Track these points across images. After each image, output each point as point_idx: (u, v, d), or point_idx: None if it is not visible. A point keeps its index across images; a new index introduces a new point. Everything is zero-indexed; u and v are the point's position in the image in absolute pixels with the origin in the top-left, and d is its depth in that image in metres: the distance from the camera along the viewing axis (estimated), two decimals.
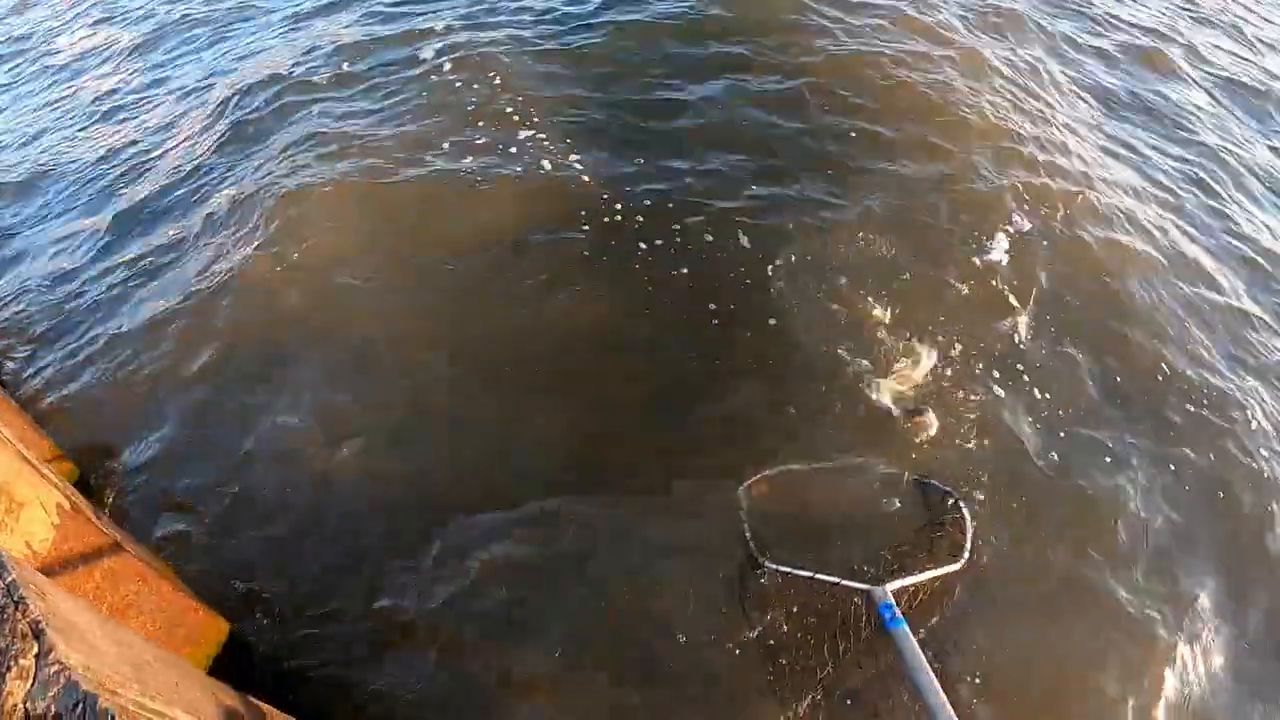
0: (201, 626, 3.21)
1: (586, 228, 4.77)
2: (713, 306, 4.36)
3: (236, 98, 6.33)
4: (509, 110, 5.68)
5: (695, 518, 3.55)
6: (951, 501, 3.55)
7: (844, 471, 3.69)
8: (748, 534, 3.36)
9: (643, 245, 4.66)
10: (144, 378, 4.35)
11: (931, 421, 3.84)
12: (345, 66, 6.38)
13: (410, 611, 3.32)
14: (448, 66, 6.13)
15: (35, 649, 1.36)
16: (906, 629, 2.80)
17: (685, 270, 4.54)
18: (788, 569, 3.21)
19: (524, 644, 3.22)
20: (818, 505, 3.58)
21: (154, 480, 3.88)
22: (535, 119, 5.60)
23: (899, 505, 3.60)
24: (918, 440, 3.80)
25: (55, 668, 1.32)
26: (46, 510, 2.72)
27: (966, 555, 3.31)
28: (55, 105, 7.56)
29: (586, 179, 5.09)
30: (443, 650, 3.21)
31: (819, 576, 3.16)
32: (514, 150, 5.33)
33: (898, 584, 3.09)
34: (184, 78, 7.23)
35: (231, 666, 3.11)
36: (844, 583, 3.14)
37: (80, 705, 1.29)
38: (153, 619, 3.05)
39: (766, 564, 3.26)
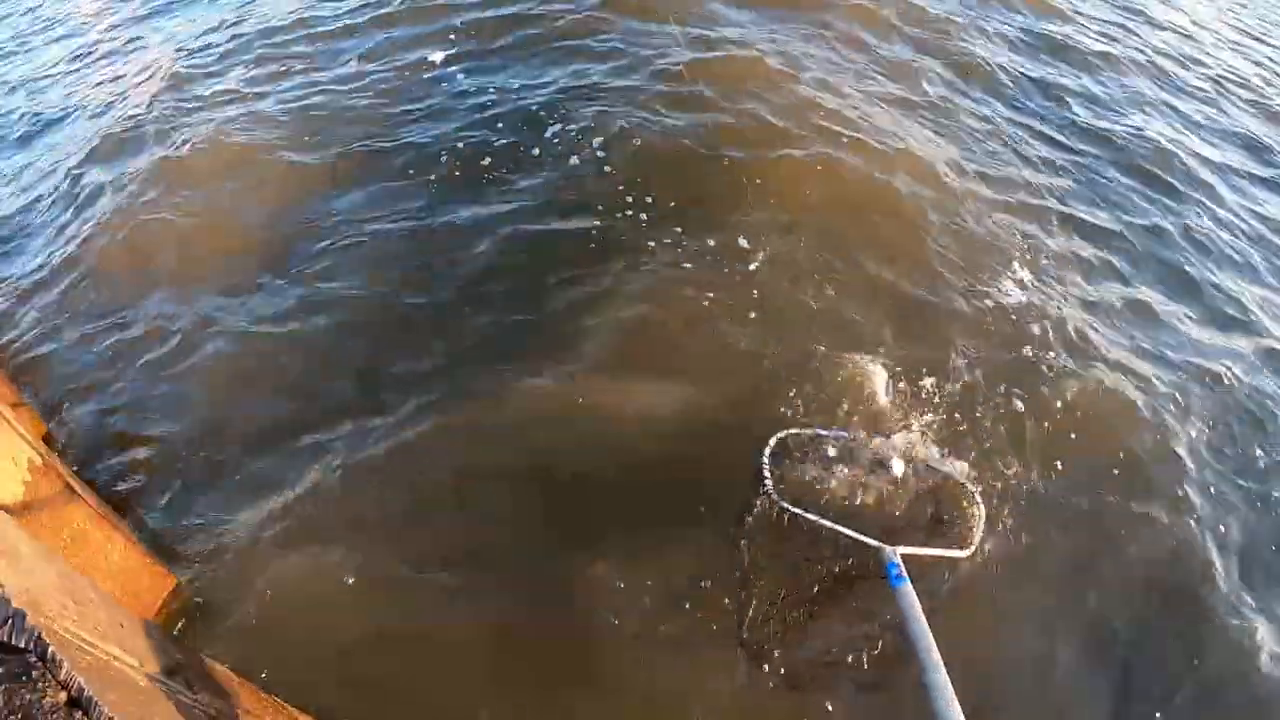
0: (173, 596, 3.24)
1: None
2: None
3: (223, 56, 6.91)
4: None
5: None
6: (966, 491, 3.65)
7: (866, 447, 3.76)
8: (766, 468, 3.44)
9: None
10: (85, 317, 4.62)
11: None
12: None
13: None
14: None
15: None
16: (910, 588, 2.84)
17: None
18: (799, 511, 3.27)
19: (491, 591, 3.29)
20: (835, 472, 3.66)
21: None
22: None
23: (914, 487, 3.67)
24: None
25: None
26: (17, 464, 2.74)
27: (975, 545, 3.40)
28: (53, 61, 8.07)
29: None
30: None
31: (829, 524, 3.23)
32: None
33: (907, 550, 3.14)
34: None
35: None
36: (855, 535, 3.20)
37: (10, 621, 1.31)
38: (121, 585, 3.06)
39: (780, 503, 3.31)
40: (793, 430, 3.70)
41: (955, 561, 3.38)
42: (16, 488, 2.73)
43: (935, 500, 3.65)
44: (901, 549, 3.11)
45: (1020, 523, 3.65)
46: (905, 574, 2.93)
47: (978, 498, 3.60)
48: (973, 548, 3.39)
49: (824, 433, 3.74)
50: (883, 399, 3.98)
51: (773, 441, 3.60)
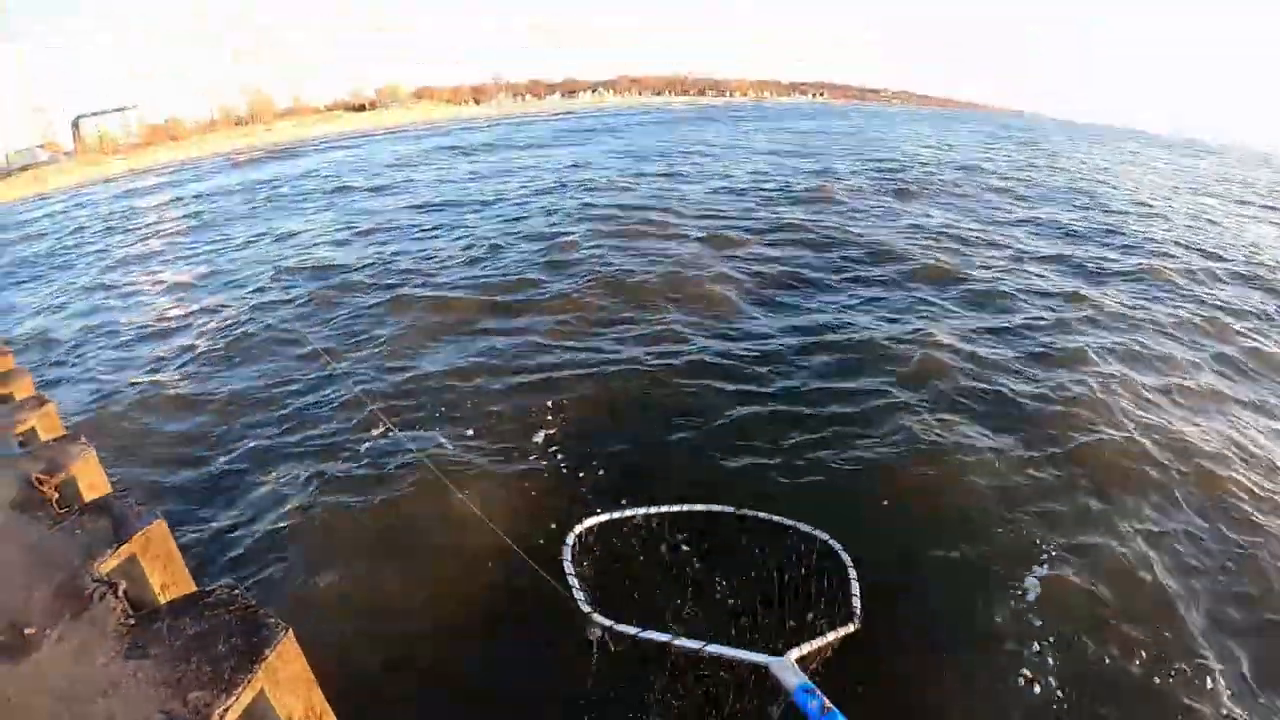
0: None
1: None
2: None
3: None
4: None
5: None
6: (831, 550, 3.17)
7: (699, 518, 3.20)
8: (577, 591, 2.71)
9: None
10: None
11: None
12: None
13: None
14: None
15: None
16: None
17: None
18: (642, 634, 2.51)
19: None
20: (670, 563, 3.21)
21: None
22: None
23: (770, 558, 3.14)
24: None
25: None
26: None
27: (859, 613, 2.86)
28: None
29: None
30: None
31: (691, 644, 2.44)
32: None
33: (799, 651, 2.44)
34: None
35: None
36: (730, 653, 2.38)
37: None
38: None
39: (609, 626, 2.54)
40: (595, 519, 3.07)
41: (848, 641, 2.75)
42: None
43: (799, 568, 3.08)
44: (793, 653, 2.39)
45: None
46: (826, 700, 2.12)
47: (846, 559, 3.10)
48: (859, 617, 2.83)
49: (620, 515, 3.16)
50: None
51: (571, 540, 2.93)
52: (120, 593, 2.44)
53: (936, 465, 5.82)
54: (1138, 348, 8.87)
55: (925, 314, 9.64)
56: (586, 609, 2.55)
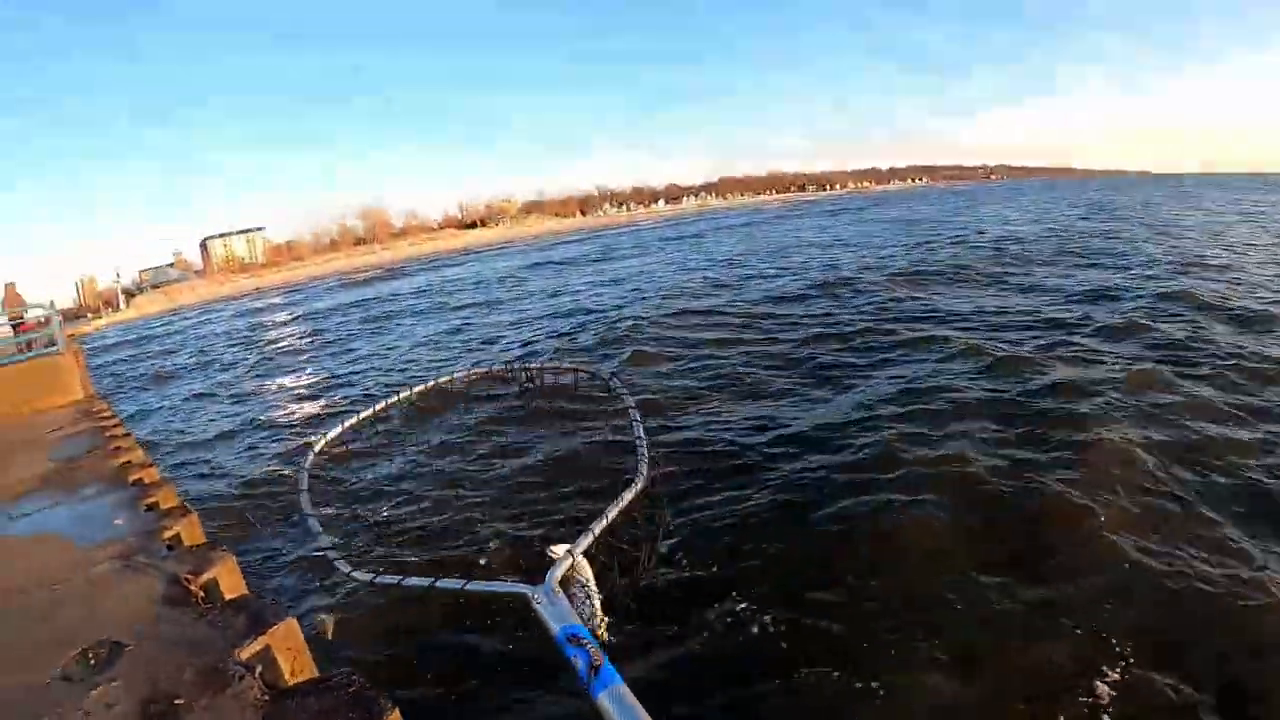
0: None
1: None
2: None
3: None
4: None
5: None
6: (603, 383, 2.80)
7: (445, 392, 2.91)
8: (322, 537, 2.51)
9: None
10: None
11: None
12: None
13: None
14: None
15: None
16: (623, 689, 1.50)
17: None
18: (404, 581, 2.29)
19: None
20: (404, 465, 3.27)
21: None
22: None
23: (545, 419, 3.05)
24: None
25: None
26: None
27: (644, 474, 2.53)
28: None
29: None
30: None
31: (447, 584, 2.20)
32: None
33: (561, 568, 1.93)
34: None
35: None
36: (492, 588, 2.09)
37: None
38: None
39: (369, 580, 2.39)
40: (325, 437, 2.88)
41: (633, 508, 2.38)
42: None
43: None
44: (556, 570, 1.91)
45: None
46: (595, 652, 1.58)
47: (626, 396, 2.84)
48: (643, 477, 2.52)
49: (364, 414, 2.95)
50: None
51: (305, 483, 2.68)
52: (257, 674, 2.89)
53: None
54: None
55: (957, 396, 9.55)
56: (346, 569, 2.29)
